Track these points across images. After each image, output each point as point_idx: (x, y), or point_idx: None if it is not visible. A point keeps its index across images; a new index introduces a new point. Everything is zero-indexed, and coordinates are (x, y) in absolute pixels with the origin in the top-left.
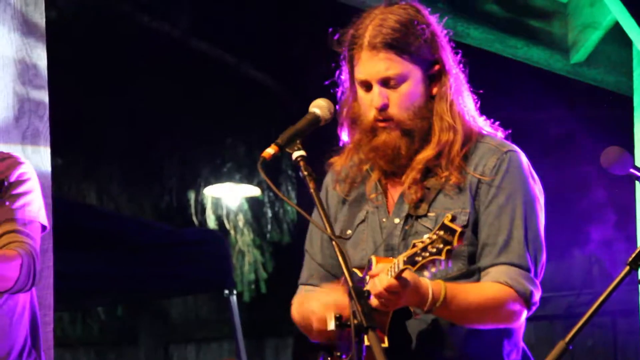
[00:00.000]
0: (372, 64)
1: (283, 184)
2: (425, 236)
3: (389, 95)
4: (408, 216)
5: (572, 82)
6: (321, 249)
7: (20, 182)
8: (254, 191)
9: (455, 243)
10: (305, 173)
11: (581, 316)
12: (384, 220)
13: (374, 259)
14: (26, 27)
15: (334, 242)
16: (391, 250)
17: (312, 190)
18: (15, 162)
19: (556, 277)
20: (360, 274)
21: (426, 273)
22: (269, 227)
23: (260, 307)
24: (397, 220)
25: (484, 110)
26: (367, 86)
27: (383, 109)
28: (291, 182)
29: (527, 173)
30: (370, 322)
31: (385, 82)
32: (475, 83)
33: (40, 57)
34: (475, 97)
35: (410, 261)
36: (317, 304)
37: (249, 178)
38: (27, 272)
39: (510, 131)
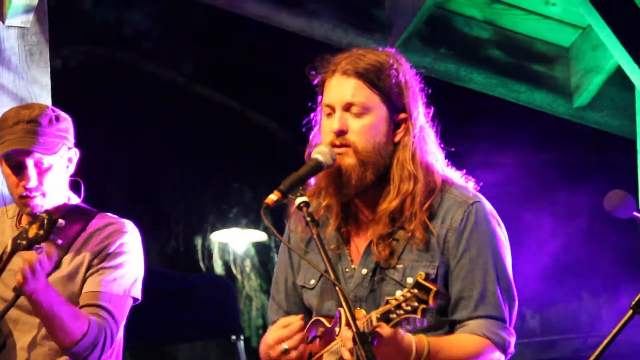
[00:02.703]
0: (339, 89)
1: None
2: (399, 293)
3: (349, 123)
4: (376, 267)
5: (576, 126)
6: (285, 296)
7: (118, 253)
8: (261, 236)
9: (430, 302)
10: (308, 219)
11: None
12: (347, 270)
13: (342, 312)
14: (31, 77)
15: (337, 288)
16: (358, 302)
17: (314, 236)
18: (119, 230)
19: (564, 320)
20: (328, 324)
21: (401, 330)
22: None
23: None
24: (364, 271)
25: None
26: (331, 111)
27: (341, 133)
28: None
29: (494, 221)
30: None
31: (348, 109)
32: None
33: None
34: (445, 152)
35: (384, 318)
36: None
37: (255, 223)
38: (91, 343)
39: (481, 183)
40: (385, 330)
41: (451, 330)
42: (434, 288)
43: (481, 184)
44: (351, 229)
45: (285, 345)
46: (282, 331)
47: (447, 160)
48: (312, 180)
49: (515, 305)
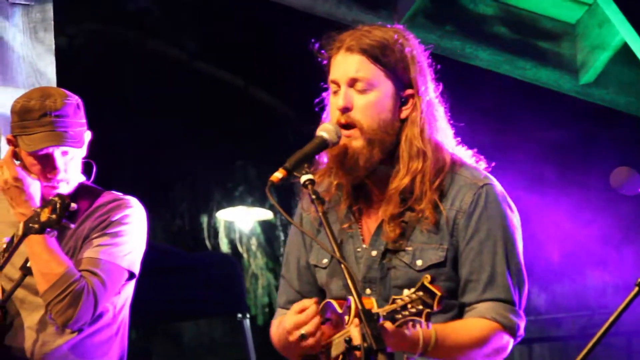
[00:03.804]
0: (344, 65)
1: (294, 207)
2: (405, 293)
3: (354, 99)
4: (386, 249)
5: (581, 103)
6: (298, 276)
7: (118, 223)
8: (267, 214)
9: (435, 307)
10: (314, 197)
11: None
12: (358, 250)
13: (352, 301)
14: (36, 54)
15: (342, 266)
16: (369, 283)
17: (320, 214)
18: (123, 205)
19: (570, 298)
20: (339, 309)
21: (406, 331)
22: (282, 250)
23: None
24: (374, 253)
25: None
26: (337, 88)
27: (345, 110)
28: None
29: (504, 204)
30: (380, 345)
31: (352, 85)
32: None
33: (50, 83)
34: (455, 130)
35: (390, 317)
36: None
37: (261, 201)
38: (71, 294)
39: (493, 164)
40: (390, 325)
41: (460, 313)
42: (438, 293)
43: (493, 164)
44: (363, 208)
45: (302, 331)
46: (299, 316)
47: (458, 139)
48: (325, 159)
49: (525, 289)
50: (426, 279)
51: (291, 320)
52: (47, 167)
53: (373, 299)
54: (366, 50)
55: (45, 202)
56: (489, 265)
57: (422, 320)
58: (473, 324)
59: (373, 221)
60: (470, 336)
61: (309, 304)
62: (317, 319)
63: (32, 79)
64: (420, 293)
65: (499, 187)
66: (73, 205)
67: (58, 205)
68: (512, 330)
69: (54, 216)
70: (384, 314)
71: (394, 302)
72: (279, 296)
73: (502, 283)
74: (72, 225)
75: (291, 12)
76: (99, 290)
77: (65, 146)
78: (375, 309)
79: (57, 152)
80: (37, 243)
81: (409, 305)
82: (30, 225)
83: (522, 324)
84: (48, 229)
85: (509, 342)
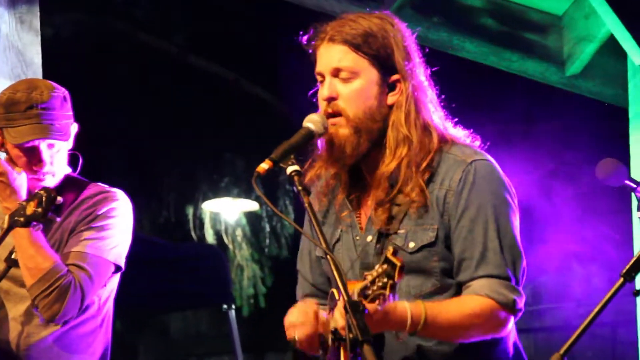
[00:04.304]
0: (327, 55)
1: (281, 199)
2: (375, 268)
3: (339, 88)
4: (379, 234)
5: (568, 94)
6: (311, 269)
7: (104, 216)
8: (252, 206)
9: (396, 278)
10: (300, 188)
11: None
12: (357, 237)
13: (334, 292)
14: (22, 45)
15: (328, 257)
16: (366, 269)
17: (306, 205)
18: (109, 198)
19: (554, 289)
20: (337, 297)
21: (378, 306)
22: (268, 241)
23: (260, 321)
24: (369, 238)
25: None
26: (322, 79)
27: (331, 100)
28: (289, 197)
29: (496, 179)
30: (366, 336)
31: (336, 74)
32: (469, 94)
33: (36, 76)
34: (446, 111)
35: (363, 294)
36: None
37: (247, 193)
38: (58, 288)
39: (488, 143)
40: (369, 305)
41: (458, 293)
42: (398, 263)
43: (488, 143)
44: (360, 195)
45: (295, 335)
46: (297, 318)
47: (453, 120)
48: (320, 150)
49: (521, 263)
50: (389, 251)
51: (289, 320)
52: (33, 159)
53: (355, 282)
54: (348, 40)
55: (31, 195)
56: (480, 242)
57: (387, 292)
58: (466, 301)
59: (368, 207)
60: (463, 314)
61: (309, 309)
62: (310, 327)
63: (18, 69)
64: (385, 266)
65: (490, 162)
66: (59, 198)
67: (44, 199)
68: (508, 306)
69: (39, 210)
70: (358, 291)
71: (365, 278)
72: (297, 290)
73: (495, 259)
74: (58, 219)
75: (281, 5)
76: (85, 285)
77: (51, 139)
78: (355, 290)
79: (43, 145)
80: (23, 237)
81: (377, 280)
82: (16, 218)
83: (521, 300)
84: (34, 223)
85: (507, 318)
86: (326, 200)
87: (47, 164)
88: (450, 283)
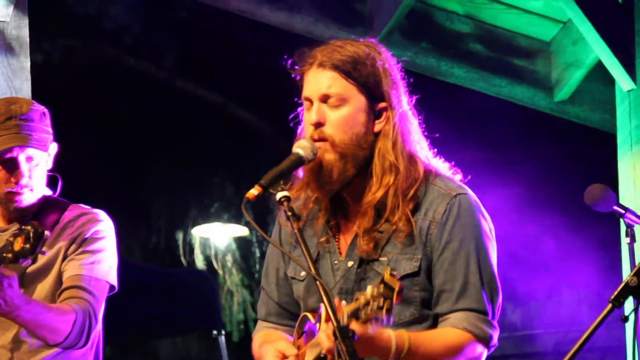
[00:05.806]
0: (316, 81)
1: (270, 224)
2: (368, 290)
3: (327, 114)
4: (361, 260)
5: (556, 120)
6: (277, 287)
7: (94, 239)
8: (242, 231)
9: (394, 300)
10: (289, 213)
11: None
12: (335, 262)
13: (323, 307)
14: (11, 71)
15: (318, 283)
16: (345, 294)
17: (295, 230)
18: (93, 219)
19: (545, 314)
20: (312, 319)
21: (369, 329)
22: (258, 266)
23: (249, 347)
24: (350, 264)
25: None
26: (310, 104)
27: (318, 125)
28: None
29: (478, 214)
30: None
31: (325, 100)
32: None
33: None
34: (430, 142)
35: (355, 315)
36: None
37: (237, 218)
38: (80, 330)
39: (469, 177)
40: (358, 327)
41: (435, 324)
42: (396, 286)
43: (469, 177)
44: (340, 221)
45: None
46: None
47: (434, 150)
48: (300, 173)
49: (498, 299)
50: (386, 272)
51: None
52: (11, 171)
53: (342, 301)
54: (338, 66)
55: (18, 230)
56: (461, 275)
57: (384, 314)
58: (447, 333)
59: (350, 233)
60: (444, 345)
61: (288, 352)
62: None
63: (8, 95)
64: (382, 287)
65: (472, 197)
66: (47, 233)
67: (31, 235)
68: (485, 340)
69: (27, 246)
70: (349, 312)
71: (357, 299)
72: (259, 308)
73: (475, 293)
74: (47, 254)
75: (269, 30)
76: (94, 307)
77: (29, 147)
78: (343, 310)
79: (21, 157)
80: (32, 315)
81: (371, 301)
82: (4, 255)
83: (495, 334)
84: (21, 259)
85: (482, 352)
86: (302, 223)
87: (25, 176)
88: (427, 314)
